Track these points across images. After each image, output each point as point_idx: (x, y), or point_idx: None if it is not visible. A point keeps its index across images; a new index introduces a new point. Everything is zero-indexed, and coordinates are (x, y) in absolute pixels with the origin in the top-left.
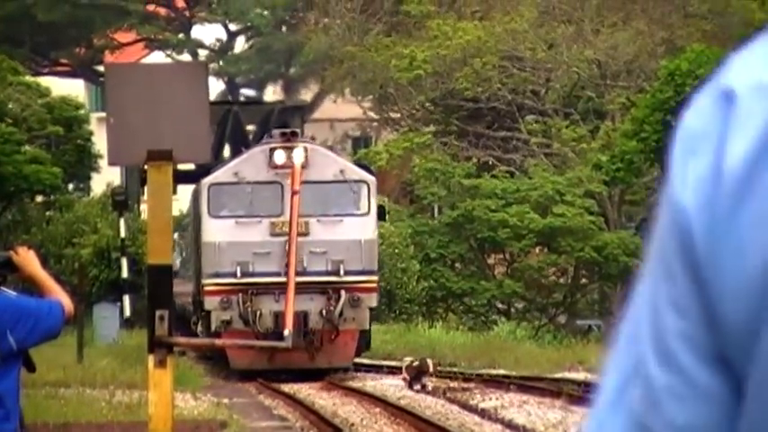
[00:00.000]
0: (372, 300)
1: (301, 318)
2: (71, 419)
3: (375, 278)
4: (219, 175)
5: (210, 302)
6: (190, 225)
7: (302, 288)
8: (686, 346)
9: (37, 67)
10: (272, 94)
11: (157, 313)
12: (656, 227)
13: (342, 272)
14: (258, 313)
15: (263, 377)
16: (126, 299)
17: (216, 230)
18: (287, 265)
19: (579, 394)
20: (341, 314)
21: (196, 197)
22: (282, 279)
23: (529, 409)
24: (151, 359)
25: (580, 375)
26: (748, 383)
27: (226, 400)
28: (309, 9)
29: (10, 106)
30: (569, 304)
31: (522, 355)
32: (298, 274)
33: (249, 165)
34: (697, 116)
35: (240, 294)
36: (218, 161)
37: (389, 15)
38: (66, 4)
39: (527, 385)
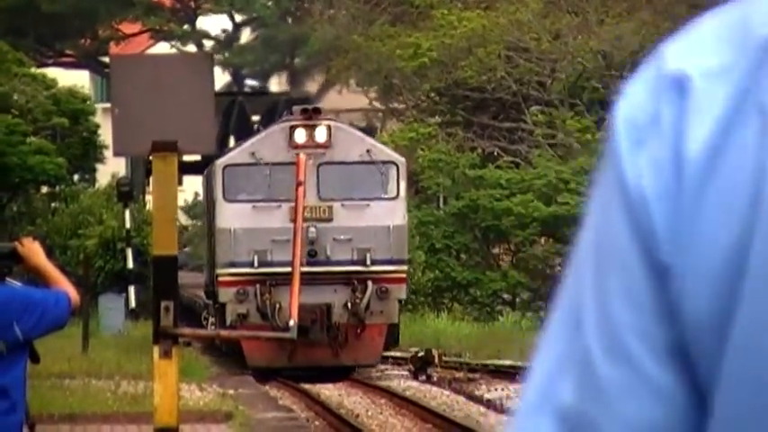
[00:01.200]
0: (402, 291)
1: (324, 311)
2: (76, 410)
3: (404, 268)
4: (235, 155)
5: (225, 294)
6: (203, 210)
7: (325, 279)
8: (639, 340)
9: (42, 58)
10: (277, 85)
11: (162, 304)
12: (592, 217)
13: (368, 261)
14: (277, 306)
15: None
16: (131, 290)
17: (231, 216)
18: (306, 254)
19: None
20: (367, 307)
21: (209, 180)
22: (304, 269)
23: None
24: (156, 350)
25: None
26: (717, 386)
27: (231, 391)
28: (314, 0)
29: (15, 98)
30: None
31: (528, 346)
32: (320, 263)
33: (267, 144)
34: (643, 104)
35: (258, 285)
36: (222, 152)
37: (394, 5)
38: None
39: None
